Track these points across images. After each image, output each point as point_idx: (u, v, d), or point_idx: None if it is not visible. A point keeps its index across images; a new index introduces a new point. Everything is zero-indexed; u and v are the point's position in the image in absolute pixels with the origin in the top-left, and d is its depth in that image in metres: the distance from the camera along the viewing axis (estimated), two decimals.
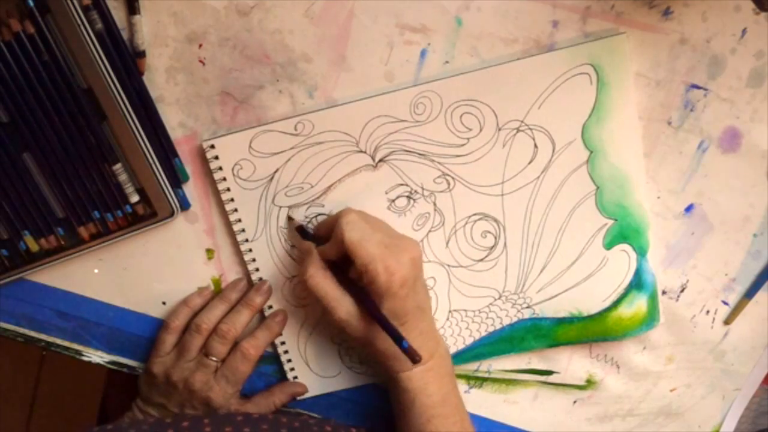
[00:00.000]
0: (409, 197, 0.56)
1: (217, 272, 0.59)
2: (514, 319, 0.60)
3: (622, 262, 0.58)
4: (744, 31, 0.54)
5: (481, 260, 0.58)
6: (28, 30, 0.49)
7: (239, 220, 0.56)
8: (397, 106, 0.54)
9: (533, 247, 0.57)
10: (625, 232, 0.57)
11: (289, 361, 0.60)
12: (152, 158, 0.53)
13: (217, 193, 0.56)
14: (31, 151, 0.52)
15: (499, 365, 0.62)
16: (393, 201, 0.56)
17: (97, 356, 0.61)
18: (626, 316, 0.60)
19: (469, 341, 0.60)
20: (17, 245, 0.55)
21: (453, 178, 0.56)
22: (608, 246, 0.58)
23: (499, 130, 0.54)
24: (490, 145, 0.55)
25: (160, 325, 0.59)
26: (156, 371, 0.57)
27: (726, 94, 0.55)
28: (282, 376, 0.61)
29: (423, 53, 0.53)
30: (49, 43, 0.49)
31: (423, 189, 0.56)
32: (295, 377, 0.61)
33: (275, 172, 0.55)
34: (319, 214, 0.56)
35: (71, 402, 1.21)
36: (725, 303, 0.62)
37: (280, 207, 0.56)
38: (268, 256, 0.57)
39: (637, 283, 0.59)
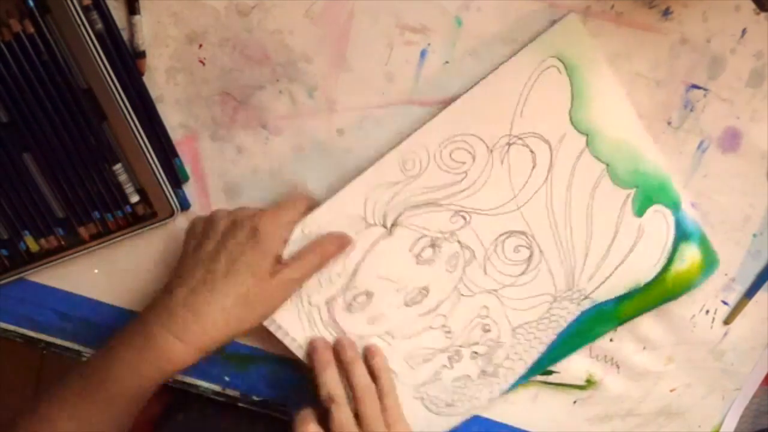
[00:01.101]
0: (432, 246, 0.57)
1: None
2: (577, 314, 0.60)
3: (659, 222, 0.58)
4: (744, 31, 0.54)
5: (523, 273, 0.58)
6: (28, 30, 0.49)
7: (287, 334, 0.57)
8: (388, 172, 0.54)
9: (568, 242, 0.58)
10: (650, 195, 0.57)
11: None
12: (152, 158, 0.53)
13: (216, 194, 0.56)
14: (31, 151, 0.52)
15: None
16: (419, 255, 0.57)
17: None
18: (683, 269, 0.59)
19: (542, 348, 0.61)
20: (17, 245, 0.55)
21: (466, 212, 0.56)
22: (639, 213, 0.57)
23: (491, 151, 0.55)
24: (489, 169, 0.55)
25: None
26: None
27: (726, 94, 0.55)
28: None
29: (423, 53, 0.53)
30: (49, 43, 0.49)
31: (442, 233, 0.57)
32: None
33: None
34: (357, 296, 0.57)
35: None
36: (725, 303, 0.62)
37: (319, 306, 0.57)
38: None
39: (682, 236, 0.58)
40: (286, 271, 0.53)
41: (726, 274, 0.61)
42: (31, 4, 0.48)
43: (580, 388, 0.64)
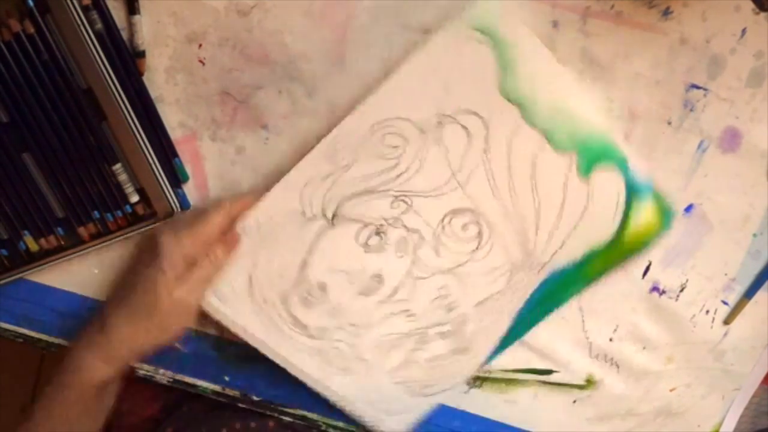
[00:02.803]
0: (378, 233, 0.57)
1: None
2: (538, 282, 0.59)
3: (607, 181, 0.57)
4: (744, 31, 0.54)
5: (476, 249, 0.58)
6: (28, 30, 0.49)
7: (253, 335, 0.58)
8: (319, 164, 0.54)
9: (516, 213, 0.57)
10: (594, 156, 0.56)
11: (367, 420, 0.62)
12: (152, 158, 0.53)
13: (216, 194, 0.56)
14: (31, 151, 0.52)
15: (498, 365, 0.62)
16: (366, 243, 0.57)
17: None
18: (641, 225, 0.58)
19: (509, 320, 0.60)
20: (17, 245, 0.55)
21: (406, 195, 0.56)
22: (585, 174, 0.57)
23: (423, 132, 0.54)
24: (425, 150, 0.55)
25: None
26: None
27: (726, 94, 0.55)
28: None
29: None
30: (49, 43, 0.49)
31: (386, 220, 0.56)
32: (376, 426, 0.62)
33: (250, 277, 0.56)
34: (309, 290, 0.57)
35: None
36: (725, 303, 0.62)
37: (273, 302, 0.57)
38: (290, 348, 0.59)
39: (633, 192, 0.58)
40: (182, 288, 0.53)
41: (726, 274, 0.61)
42: (31, 4, 0.48)
43: (580, 387, 0.64)
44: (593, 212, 0.58)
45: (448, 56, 0.53)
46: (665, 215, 0.58)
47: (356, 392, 0.61)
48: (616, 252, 0.59)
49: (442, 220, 0.57)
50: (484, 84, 0.54)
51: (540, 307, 0.60)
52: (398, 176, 0.55)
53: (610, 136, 0.56)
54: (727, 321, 0.62)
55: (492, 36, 0.53)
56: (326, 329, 0.58)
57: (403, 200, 0.56)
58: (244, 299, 0.57)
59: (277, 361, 0.59)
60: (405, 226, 0.57)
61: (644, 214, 0.58)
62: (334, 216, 0.56)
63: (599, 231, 0.58)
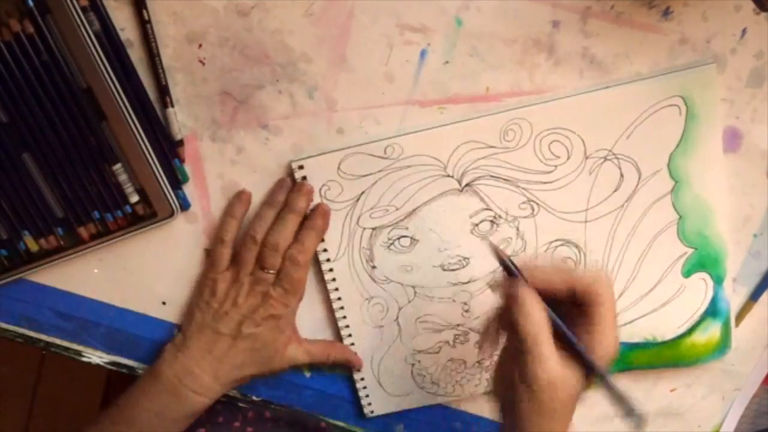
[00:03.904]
0: (492, 222, 0.57)
1: None
2: None
3: (699, 290, 0.59)
4: (744, 31, 0.54)
5: None
6: (28, 30, 0.49)
7: (322, 239, 0.57)
8: (488, 132, 0.54)
9: (613, 272, 0.58)
10: (704, 261, 0.58)
11: (362, 379, 0.61)
12: (152, 158, 0.53)
13: (216, 194, 0.56)
14: (31, 151, 0.52)
15: None
16: (476, 225, 0.57)
17: (97, 357, 0.61)
18: (700, 342, 0.60)
19: None
20: (17, 245, 0.55)
21: (537, 204, 0.56)
22: (687, 274, 0.58)
23: (587, 158, 0.55)
24: (577, 173, 0.55)
25: (159, 326, 0.59)
26: (214, 287, 0.56)
27: (726, 94, 0.55)
28: (354, 393, 0.62)
29: (423, 53, 0.53)
30: (49, 43, 0.49)
31: (507, 214, 0.57)
32: (367, 395, 0.62)
33: (362, 193, 0.55)
34: (402, 236, 0.57)
35: (71, 402, 1.21)
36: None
37: (364, 228, 0.57)
38: (348, 276, 0.58)
39: (712, 311, 0.59)
40: (299, 354, 0.58)
41: None
42: (31, 4, 0.48)
43: None
44: (671, 309, 0.59)
45: (647, 104, 0.54)
46: (724, 344, 0.60)
47: (366, 349, 0.60)
48: (667, 353, 0.61)
49: (551, 242, 0.57)
50: (661, 146, 0.55)
51: None
52: (544, 183, 0.56)
53: (725, 252, 0.57)
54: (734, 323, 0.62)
55: (691, 109, 0.54)
56: (389, 280, 0.58)
57: (532, 205, 0.56)
58: (341, 209, 0.56)
59: (324, 267, 0.58)
60: (518, 229, 0.57)
61: (709, 334, 0.60)
62: (467, 185, 0.55)
63: (666, 328, 0.60)
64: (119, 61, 0.51)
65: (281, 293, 0.55)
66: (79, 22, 0.49)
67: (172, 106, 0.53)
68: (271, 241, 0.55)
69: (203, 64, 0.53)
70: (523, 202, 0.56)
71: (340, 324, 0.59)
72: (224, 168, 0.56)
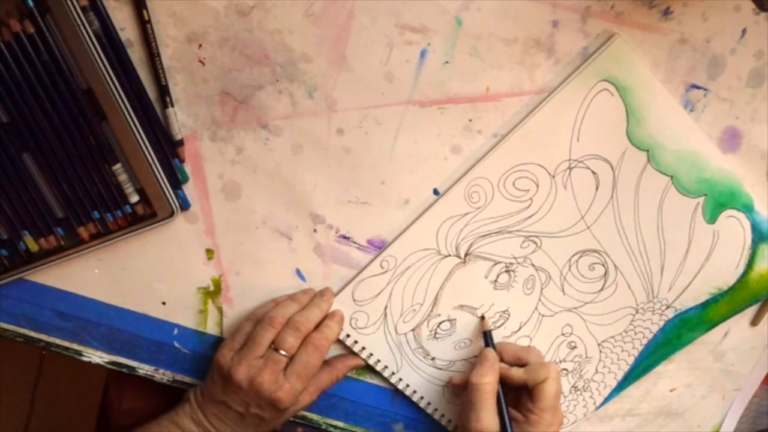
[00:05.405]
0: (507, 271, 0.58)
1: (217, 272, 0.59)
2: (662, 323, 0.61)
3: (733, 226, 0.58)
4: (744, 31, 0.54)
5: (602, 289, 0.59)
6: (28, 30, 0.49)
7: (379, 361, 0.60)
8: (455, 204, 0.56)
9: (642, 255, 0.59)
10: (720, 200, 0.58)
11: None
12: (152, 158, 0.53)
13: (216, 194, 0.56)
14: (31, 151, 0.52)
15: None
16: (495, 281, 0.59)
17: (97, 356, 0.61)
18: (766, 270, 0.60)
19: (631, 360, 0.62)
20: (17, 245, 0.55)
21: (536, 236, 0.57)
22: (711, 220, 0.58)
23: (554, 177, 0.56)
24: (554, 194, 0.56)
25: (159, 326, 0.59)
26: (223, 363, 0.55)
27: (726, 94, 0.55)
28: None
29: (423, 53, 0.53)
30: (49, 43, 0.49)
31: (516, 258, 0.58)
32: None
33: (385, 308, 0.59)
34: (440, 323, 0.59)
35: (71, 402, 1.21)
36: None
37: (405, 334, 0.59)
38: (416, 377, 0.61)
39: (760, 237, 0.59)
40: (311, 401, 0.58)
41: None
42: (31, 4, 0.48)
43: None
44: (719, 256, 0.59)
45: (578, 104, 0.54)
46: None
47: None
48: (741, 295, 0.60)
49: (570, 259, 0.58)
50: (614, 130, 0.55)
51: (662, 348, 0.61)
52: (529, 217, 0.57)
53: (736, 180, 0.57)
54: (753, 322, 0.62)
55: (621, 85, 0.54)
56: (452, 362, 0.61)
57: (533, 240, 0.57)
58: (378, 329, 0.59)
59: (392, 380, 0.61)
60: (533, 265, 0.58)
61: None
62: (466, 254, 0.57)
63: (725, 274, 0.60)
64: (119, 61, 0.51)
65: (294, 380, 0.55)
66: (79, 22, 0.49)
67: (172, 106, 0.53)
68: (297, 320, 0.55)
69: (203, 64, 0.53)
70: (523, 242, 0.58)
71: (426, 410, 0.63)
72: (224, 168, 0.56)
